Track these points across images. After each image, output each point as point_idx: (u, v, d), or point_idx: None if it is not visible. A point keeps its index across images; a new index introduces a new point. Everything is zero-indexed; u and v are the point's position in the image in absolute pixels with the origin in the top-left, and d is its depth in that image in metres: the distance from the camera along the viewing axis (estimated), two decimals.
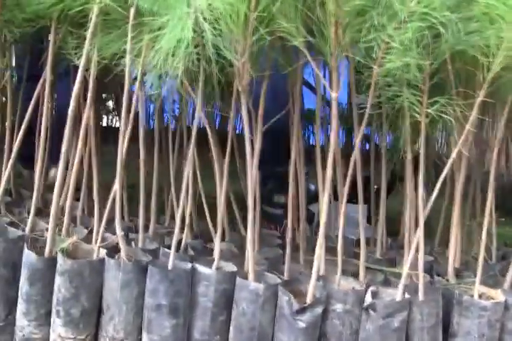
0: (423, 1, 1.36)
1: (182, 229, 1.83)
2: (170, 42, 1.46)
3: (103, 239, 1.73)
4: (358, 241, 1.72)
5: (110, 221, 1.74)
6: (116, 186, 1.63)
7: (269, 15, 1.48)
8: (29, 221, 1.78)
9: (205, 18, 1.46)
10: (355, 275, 1.71)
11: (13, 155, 1.79)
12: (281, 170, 2.10)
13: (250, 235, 1.62)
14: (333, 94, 1.50)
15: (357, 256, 1.74)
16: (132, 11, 1.58)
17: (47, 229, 1.81)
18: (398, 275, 1.73)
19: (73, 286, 1.61)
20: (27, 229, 1.77)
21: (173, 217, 2.00)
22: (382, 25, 1.43)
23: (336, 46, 1.46)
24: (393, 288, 1.62)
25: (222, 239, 1.83)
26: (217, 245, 1.70)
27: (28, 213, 1.92)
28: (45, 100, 1.74)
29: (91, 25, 1.59)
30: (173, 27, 1.47)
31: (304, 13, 1.49)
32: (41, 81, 1.79)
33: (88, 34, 1.60)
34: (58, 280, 1.62)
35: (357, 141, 1.61)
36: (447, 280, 1.71)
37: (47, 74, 1.75)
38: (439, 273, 1.76)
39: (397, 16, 1.39)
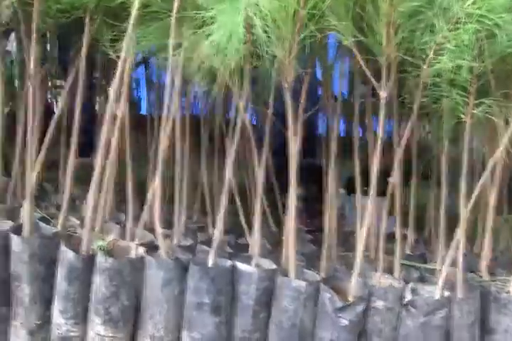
0: (479, 2, 1.36)
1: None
2: (221, 37, 1.43)
3: (136, 236, 1.72)
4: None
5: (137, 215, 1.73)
6: (156, 182, 1.61)
7: (319, 13, 1.47)
8: (61, 217, 1.74)
9: (255, 14, 1.44)
10: (387, 270, 1.71)
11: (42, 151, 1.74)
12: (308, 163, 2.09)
13: (290, 233, 1.63)
14: (383, 94, 1.50)
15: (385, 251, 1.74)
16: (176, 3, 1.54)
17: (79, 225, 1.80)
18: (431, 272, 1.76)
19: (113, 285, 1.59)
20: (59, 225, 1.74)
21: (201, 212, 1.99)
22: (434, 26, 1.43)
23: (388, 46, 1.45)
24: (431, 285, 1.64)
25: None
26: (254, 242, 1.69)
27: (57, 208, 1.89)
28: (79, 93, 1.69)
29: (132, 17, 1.55)
30: (223, 22, 1.44)
31: (354, 12, 1.48)
32: (73, 73, 1.74)
33: (129, 26, 1.55)
34: (98, 278, 1.59)
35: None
36: (480, 276, 1.73)
37: (81, 66, 1.69)
38: (470, 269, 1.79)
39: (453, 18, 1.39)
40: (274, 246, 1.86)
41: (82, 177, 1.79)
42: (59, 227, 1.73)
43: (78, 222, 1.82)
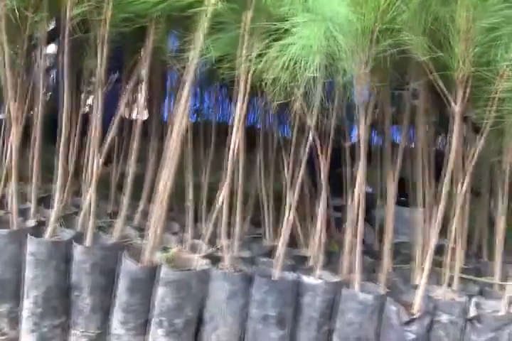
0: None
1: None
2: (299, 50, 1.43)
3: (195, 247, 1.71)
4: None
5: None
6: (224, 193, 1.60)
7: (394, 27, 1.47)
8: (118, 226, 1.72)
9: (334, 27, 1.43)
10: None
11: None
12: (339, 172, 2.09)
13: (354, 245, 1.62)
14: (457, 109, 1.50)
15: (436, 263, 1.74)
16: (249, 14, 1.54)
17: (136, 236, 1.78)
18: (490, 285, 1.76)
19: (179, 297, 1.57)
20: (115, 234, 1.71)
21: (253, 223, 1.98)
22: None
23: (463, 60, 1.45)
24: (493, 299, 1.64)
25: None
26: (316, 254, 1.69)
27: (110, 217, 1.87)
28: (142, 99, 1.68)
29: (202, 27, 1.54)
30: (302, 34, 1.44)
31: (428, 27, 1.48)
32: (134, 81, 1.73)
33: (200, 36, 1.54)
34: (162, 290, 1.58)
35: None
36: None
37: (144, 74, 1.68)
38: None
39: None
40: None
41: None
42: (116, 237, 1.70)
43: (134, 232, 1.80)
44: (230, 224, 2.03)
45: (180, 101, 1.62)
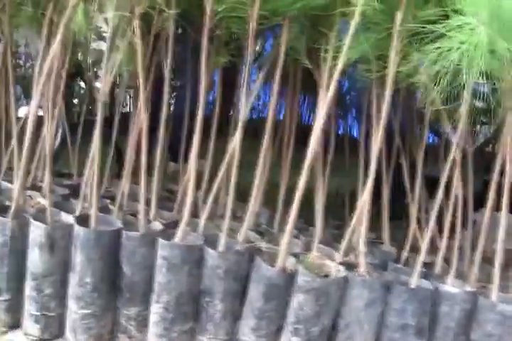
0: None
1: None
2: (459, 55, 1.37)
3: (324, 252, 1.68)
4: None
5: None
6: (365, 197, 1.55)
7: None
8: (243, 231, 1.68)
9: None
10: None
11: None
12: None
13: (499, 255, 1.58)
14: None
15: None
16: (399, 15, 1.48)
17: (259, 239, 1.74)
18: None
19: (317, 304, 1.54)
20: (241, 238, 1.67)
21: None
22: None
23: None
24: None
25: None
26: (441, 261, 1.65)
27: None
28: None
29: (351, 28, 1.48)
30: (460, 40, 1.38)
31: None
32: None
33: (348, 37, 1.48)
34: (301, 297, 1.54)
35: None
36: None
37: (277, 75, 1.63)
38: None
39: None
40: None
41: None
42: (243, 241, 1.66)
43: (254, 235, 1.76)
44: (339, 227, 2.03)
45: (319, 106, 1.58)
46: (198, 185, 1.82)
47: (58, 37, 1.49)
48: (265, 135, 1.66)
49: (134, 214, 1.78)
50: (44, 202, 1.78)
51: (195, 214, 1.86)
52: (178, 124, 2.01)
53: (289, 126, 1.91)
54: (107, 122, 1.68)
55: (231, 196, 1.62)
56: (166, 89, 1.64)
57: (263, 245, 1.68)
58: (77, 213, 1.70)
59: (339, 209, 2.11)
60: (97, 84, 2.10)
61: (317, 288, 1.53)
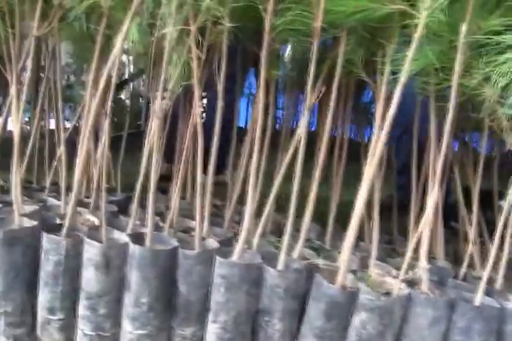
0: None
1: None
2: None
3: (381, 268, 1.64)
4: None
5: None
6: (429, 212, 1.51)
7: None
8: (298, 247, 1.64)
9: None
10: None
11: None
12: None
13: None
14: None
15: None
16: (464, 27, 1.45)
17: (313, 256, 1.70)
18: None
19: (381, 323, 1.50)
20: (295, 255, 1.63)
21: None
22: None
23: None
24: None
25: None
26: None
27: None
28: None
29: (415, 40, 1.44)
30: None
31: None
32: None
33: (411, 50, 1.45)
34: (363, 316, 1.50)
35: None
36: None
37: (334, 87, 1.60)
38: None
39: None
40: None
41: None
42: (298, 258, 1.63)
43: (308, 251, 1.72)
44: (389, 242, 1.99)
45: (376, 120, 1.54)
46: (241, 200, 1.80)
47: (115, 51, 1.46)
48: (320, 149, 1.63)
49: (185, 231, 1.76)
50: (93, 219, 1.75)
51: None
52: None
53: (341, 140, 1.88)
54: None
55: (291, 212, 1.58)
56: (220, 102, 1.61)
57: (320, 262, 1.64)
58: (129, 231, 1.66)
59: (386, 223, 2.07)
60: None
61: (381, 307, 1.49)
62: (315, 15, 1.45)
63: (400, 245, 1.97)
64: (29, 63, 1.61)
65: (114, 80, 1.56)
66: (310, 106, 1.50)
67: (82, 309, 1.59)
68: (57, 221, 1.71)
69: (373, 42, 1.61)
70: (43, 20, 1.60)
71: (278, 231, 1.91)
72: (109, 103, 1.60)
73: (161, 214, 1.82)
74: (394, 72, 1.56)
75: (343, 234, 1.92)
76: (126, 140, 2.11)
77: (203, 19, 1.49)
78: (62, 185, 1.80)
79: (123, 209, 1.88)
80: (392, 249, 1.93)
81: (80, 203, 1.88)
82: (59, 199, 1.93)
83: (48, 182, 1.98)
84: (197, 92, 1.54)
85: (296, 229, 1.68)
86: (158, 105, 1.47)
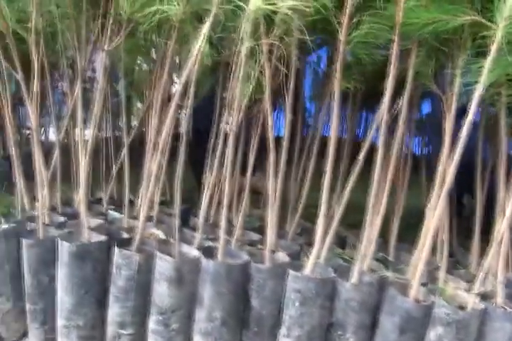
0: None
1: None
2: None
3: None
4: None
5: None
6: (504, 225, 1.50)
7: None
8: (366, 260, 1.63)
9: None
10: None
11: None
12: None
13: None
14: None
15: None
16: None
17: (381, 268, 1.69)
18: None
19: (457, 338, 1.48)
20: (364, 267, 1.62)
21: None
22: None
23: None
24: None
25: None
26: None
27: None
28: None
29: (492, 52, 1.43)
30: None
31: None
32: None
33: (487, 61, 1.44)
34: (439, 330, 1.48)
35: None
36: None
37: (404, 102, 1.59)
38: None
39: None
40: None
41: None
42: (368, 272, 1.62)
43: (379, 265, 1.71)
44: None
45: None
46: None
47: (189, 67, 1.46)
48: (378, 159, 1.62)
49: (250, 244, 1.75)
50: (157, 232, 1.74)
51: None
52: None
53: (405, 153, 1.86)
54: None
55: (374, 226, 1.57)
56: (289, 115, 1.60)
57: (390, 275, 1.63)
58: (197, 244, 1.66)
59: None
60: None
61: (458, 321, 1.48)
62: (394, 27, 1.43)
63: (462, 257, 1.95)
64: (100, 76, 1.61)
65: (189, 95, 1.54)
66: (387, 120, 1.48)
67: (153, 324, 1.59)
68: (125, 235, 1.70)
69: (443, 54, 1.61)
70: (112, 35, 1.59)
71: (339, 242, 1.91)
72: (188, 111, 1.55)
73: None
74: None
75: (404, 246, 1.93)
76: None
77: (277, 33, 1.48)
78: (126, 198, 1.80)
79: (183, 221, 1.88)
80: (455, 261, 1.91)
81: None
82: (118, 212, 1.93)
83: (106, 195, 1.97)
84: (269, 106, 1.54)
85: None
86: (235, 119, 1.47)
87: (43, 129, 2.52)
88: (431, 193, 1.58)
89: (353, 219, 1.79)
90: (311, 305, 1.53)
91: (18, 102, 2.61)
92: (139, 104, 1.91)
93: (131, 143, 1.93)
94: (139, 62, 1.98)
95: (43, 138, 2.57)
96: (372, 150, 1.67)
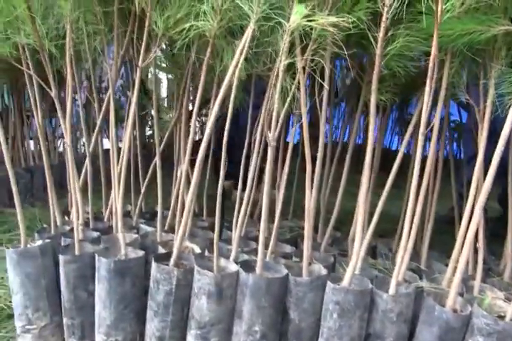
0: None
1: None
2: None
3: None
4: None
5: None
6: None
7: None
8: (401, 271, 1.64)
9: None
10: None
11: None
12: None
13: None
14: None
15: None
16: None
17: (415, 279, 1.70)
18: None
19: None
20: (400, 278, 1.63)
21: None
22: None
23: None
24: None
25: None
26: None
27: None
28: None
29: None
30: None
31: None
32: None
33: None
34: (480, 339, 1.50)
35: None
36: None
37: (438, 109, 1.60)
38: None
39: None
40: None
41: None
42: (403, 282, 1.62)
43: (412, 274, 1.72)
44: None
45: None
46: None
47: (226, 81, 1.47)
48: (414, 170, 1.63)
49: (285, 256, 1.75)
50: (192, 246, 1.75)
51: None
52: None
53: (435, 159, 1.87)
54: None
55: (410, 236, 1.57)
56: (322, 127, 1.61)
57: (425, 285, 1.64)
58: (233, 258, 1.66)
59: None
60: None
61: (499, 331, 1.49)
62: (430, 39, 1.44)
63: (493, 264, 1.96)
64: (135, 91, 1.61)
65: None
66: (424, 132, 1.49)
67: (192, 338, 1.59)
68: (160, 249, 1.71)
69: (476, 64, 1.61)
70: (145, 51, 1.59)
71: (369, 251, 1.92)
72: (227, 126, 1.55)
73: (255, 239, 1.82)
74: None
75: (434, 254, 1.94)
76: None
77: (312, 48, 1.48)
78: (159, 211, 1.80)
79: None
80: (488, 268, 1.92)
81: (171, 229, 1.89)
82: (147, 225, 1.94)
83: (136, 208, 1.98)
84: (303, 119, 1.54)
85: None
86: (272, 134, 1.47)
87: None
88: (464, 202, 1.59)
89: (378, 228, 1.80)
90: (349, 316, 1.54)
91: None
92: (167, 117, 1.90)
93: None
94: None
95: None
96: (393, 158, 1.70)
